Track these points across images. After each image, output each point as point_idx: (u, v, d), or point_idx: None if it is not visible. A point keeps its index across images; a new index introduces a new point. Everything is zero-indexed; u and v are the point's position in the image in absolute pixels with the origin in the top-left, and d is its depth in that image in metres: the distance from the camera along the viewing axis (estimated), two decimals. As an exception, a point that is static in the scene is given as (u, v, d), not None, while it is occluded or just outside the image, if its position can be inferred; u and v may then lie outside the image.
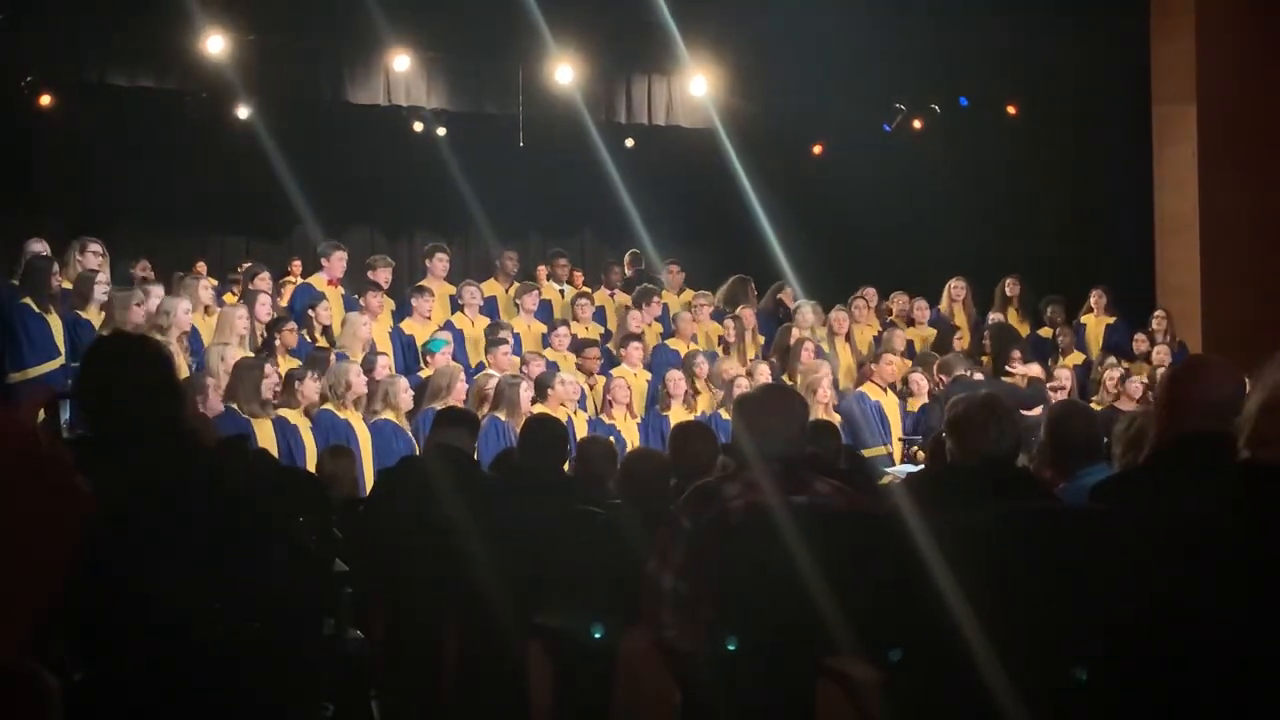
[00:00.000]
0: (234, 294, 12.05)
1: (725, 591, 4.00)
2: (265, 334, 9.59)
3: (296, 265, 13.20)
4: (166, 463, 3.04)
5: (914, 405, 10.58)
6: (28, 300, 8.67)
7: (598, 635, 4.53)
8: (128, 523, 2.93)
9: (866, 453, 9.29)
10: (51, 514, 1.77)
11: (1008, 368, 10.65)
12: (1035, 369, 10.22)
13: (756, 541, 3.97)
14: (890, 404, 10.51)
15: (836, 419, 9.98)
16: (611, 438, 8.04)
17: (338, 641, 4.82)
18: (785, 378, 10.60)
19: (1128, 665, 2.83)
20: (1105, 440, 5.33)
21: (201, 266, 14.05)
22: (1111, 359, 11.21)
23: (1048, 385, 10.10)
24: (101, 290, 9.09)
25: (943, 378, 9.69)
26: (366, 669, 5.19)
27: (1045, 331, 12.23)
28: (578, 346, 10.58)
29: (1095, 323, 12.43)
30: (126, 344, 3.31)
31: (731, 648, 3.87)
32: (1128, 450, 4.48)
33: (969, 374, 9.45)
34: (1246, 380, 3.59)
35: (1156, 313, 11.85)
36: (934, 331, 12.35)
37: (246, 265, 12.46)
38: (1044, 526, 3.69)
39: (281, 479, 3.83)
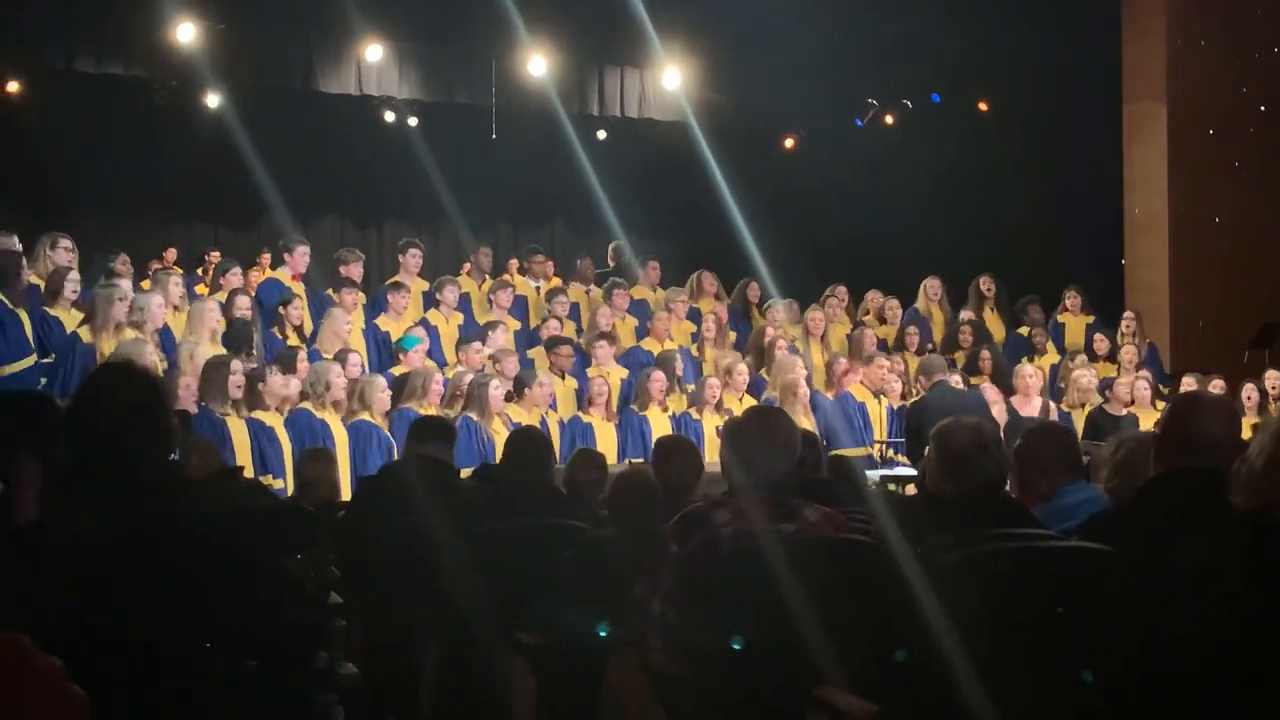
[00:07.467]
0: (204, 285, 11.95)
1: (713, 619, 3.99)
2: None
3: (265, 258, 13.11)
4: (155, 504, 3.00)
5: (889, 404, 10.57)
6: (0, 296, 8.49)
7: (603, 634, 4.48)
8: (119, 567, 2.91)
9: (847, 453, 9.27)
10: None
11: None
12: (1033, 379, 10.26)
13: (745, 570, 3.97)
14: (875, 406, 10.50)
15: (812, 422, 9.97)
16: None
17: (331, 675, 4.80)
18: (762, 374, 10.60)
19: (1125, 710, 2.85)
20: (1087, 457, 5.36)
21: (170, 254, 13.95)
22: (1083, 356, 11.21)
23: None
24: (71, 288, 8.92)
25: (922, 380, 9.56)
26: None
27: (1025, 330, 12.23)
28: (549, 344, 10.50)
29: (1075, 322, 12.38)
30: (113, 378, 3.24)
31: (736, 646, 3.83)
32: (1114, 476, 4.50)
33: (949, 378, 9.34)
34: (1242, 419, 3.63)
35: (1126, 314, 11.86)
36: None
37: (217, 259, 12.34)
38: (1042, 564, 3.70)
39: (275, 514, 3.81)
